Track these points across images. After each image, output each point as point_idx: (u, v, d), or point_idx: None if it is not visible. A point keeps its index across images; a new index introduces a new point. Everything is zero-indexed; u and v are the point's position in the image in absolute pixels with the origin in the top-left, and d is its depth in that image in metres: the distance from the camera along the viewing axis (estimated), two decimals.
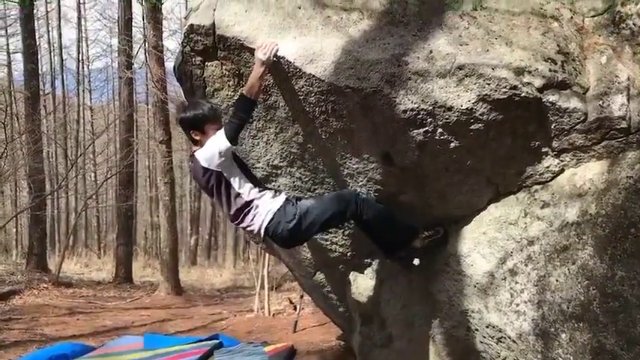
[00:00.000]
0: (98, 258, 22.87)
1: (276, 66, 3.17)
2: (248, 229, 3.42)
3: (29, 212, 15.79)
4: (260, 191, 3.37)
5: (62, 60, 27.90)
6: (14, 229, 21.98)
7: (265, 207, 3.33)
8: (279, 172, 3.82)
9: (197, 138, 3.36)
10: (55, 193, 20.49)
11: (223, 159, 3.23)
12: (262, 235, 3.39)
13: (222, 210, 3.54)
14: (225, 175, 3.29)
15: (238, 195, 3.32)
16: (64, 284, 13.67)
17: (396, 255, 3.64)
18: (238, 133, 3.25)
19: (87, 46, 29.42)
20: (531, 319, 3.03)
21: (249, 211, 3.34)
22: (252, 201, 3.32)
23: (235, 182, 3.31)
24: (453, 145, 3.12)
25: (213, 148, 3.22)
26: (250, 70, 3.32)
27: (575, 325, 2.82)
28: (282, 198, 3.39)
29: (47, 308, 10.75)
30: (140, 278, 17.47)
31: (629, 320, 2.62)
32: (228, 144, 3.18)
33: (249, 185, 3.34)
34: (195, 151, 3.36)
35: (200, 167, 3.30)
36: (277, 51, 3.10)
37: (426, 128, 3.08)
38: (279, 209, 3.32)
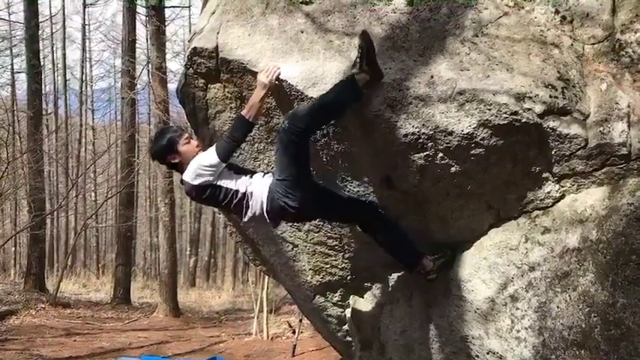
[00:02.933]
0: (97, 278, 22.75)
1: (278, 89, 3.19)
2: (256, 216, 3.34)
3: (28, 231, 15.75)
4: (250, 177, 3.33)
5: (65, 80, 28.08)
6: (13, 248, 21.91)
7: (258, 189, 3.27)
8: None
9: (176, 161, 3.35)
10: (55, 212, 20.49)
11: (210, 172, 3.21)
12: (267, 217, 3.31)
13: (231, 215, 3.54)
14: (216, 183, 3.26)
15: (236, 192, 3.28)
16: (61, 304, 13.59)
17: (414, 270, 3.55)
18: (231, 153, 3.24)
19: (90, 66, 29.67)
20: (532, 346, 3.01)
21: (247, 201, 3.30)
22: (245, 191, 3.29)
23: (228, 183, 3.28)
24: (453, 169, 3.12)
25: (201, 162, 3.21)
26: (252, 93, 3.34)
27: (577, 353, 2.80)
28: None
29: (44, 329, 10.68)
30: (138, 299, 17.39)
31: (631, 348, 2.60)
32: (217, 159, 3.17)
33: (241, 178, 3.31)
34: (182, 175, 3.35)
35: (192, 187, 3.29)
36: (280, 74, 3.12)
37: (427, 152, 3.09)
38: (270, 185, 3.25)
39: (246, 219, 3.39)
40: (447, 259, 3.44)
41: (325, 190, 3.47)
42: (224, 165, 3.23)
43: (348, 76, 3.04)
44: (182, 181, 3.39)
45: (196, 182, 3.25)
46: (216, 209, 4.06)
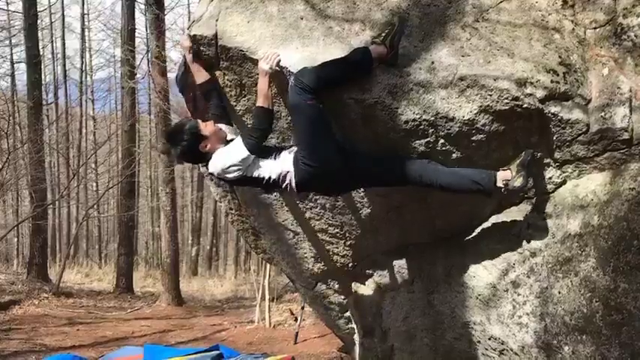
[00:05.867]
0: (99, 268, 22.80)
1: (279, 76, 3.18)
2: (289, 190, 3.29)
3: (30, 222, 15.76)
4: (276, 158, 3.24)
5: (65, 70, 27.97)
6: (15, 239, 21.93)
7: (286, 165, 3.19)
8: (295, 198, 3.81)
9: (208, 147, 3.27)
10: (57, 202, 20.50)
11: (240, 165, 3.18)
12: (296, 189, 3.24)
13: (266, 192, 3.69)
14: (247, 174, 3.23)
15: (268, 179, 3.23)
16: (64, 294, 13.63)
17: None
18: (260, 144, 3.18)
19: (90, 56, 29.46)
20: (534, 332, 3.02)
21: (280, 181, 3.23)
22: (279, 173, 3.21)
23: (259, 172, 3.22)
24: (454, 155, 3.11)
25: (230, 157, 3.18)
26: (252, 81, 3.33)
27: (578, 338, 2.80)
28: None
29: (47, 318, 10.71)
30: (141, 288, 17.43)
31: (633, 333, 2.60)
32: (246, 153, 3.14)
33: (269, 161, 3.23)
34: (209, 166, 3.30)
35: (222, 179, 3.33)
36: (280, 61, 3.10)
37: (428, 139, 3.08)
38: (294, 155, 3.19)
39: (285, 195, 3.42)
40: (527, 157, 2.99)
41: (354, 151, 3.23)
42: (253, 157, 3.19)
43: (364, 45, 3.05)
44: (207, 171, 3.37)
45: (228, 176, 3.25)
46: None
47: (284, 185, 3.22)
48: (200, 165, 3.55)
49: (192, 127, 3.26)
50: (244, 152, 3.14)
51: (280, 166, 3.19)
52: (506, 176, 2.98)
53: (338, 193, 3.57)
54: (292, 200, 3.92)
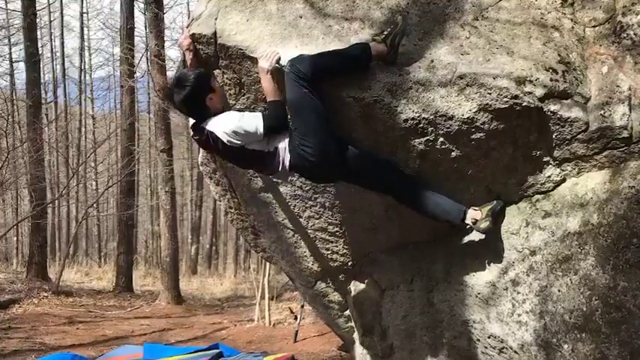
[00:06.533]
0: (99, 267, 22.79)
1: (278, 74, 3.17)
2: (280, 171, 3.27)
3: (30, 221, 15.76)
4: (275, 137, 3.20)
5: (64, 69, 27.99)
6: (15, 238, 21.93)
7: (282, 144, 3.17)
8: (279, 180, 3.82)
9: (212, 101, 3.22)
10: (56, 201, 20.50)
11: (245, 137, 3.13)
12: (288, 170, 3.23)
13: (254, 170, 3.60)
14: (247, 146, 3.18)
15: (263, 152, 3.20)
16: (64, 293, 13.63)
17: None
18: (275, 132, 3.14)
19: (89, 55, 29.48)
20: (533, 330, 3.02)
21: (275, 158, 3.20)
22: (275, 148, 3.18)
23: (258, 146, 3.19)
24: (454, 154, 3.12)
25: (243, 124, 3.11)
26: (252, 79, 3.33)
27: (578, 336, 2.80)
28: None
29: (47, 317, 10.71)
30: (140, 287, 17.43)
31: (632, 331, 2.60)
32: (261, 131, 3.09)
33: (268, 138, 3.20)
34: (207, 124, 3.21)
35: (215, 140, 3.18)
36: (279, 59, 3.10)
37: (427, 137, 3.08)
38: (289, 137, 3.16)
39: (277, 174, 3.33)
40: (497, 207, 3.15)
41: (349, 147, 3.20)
42: (261, 135, 3.13)
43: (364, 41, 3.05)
44: (195, 128, 3.28)
45: (227, 139, 3.15)
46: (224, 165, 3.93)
47: (276, 162, 3.19)
48: (192, 133, 3.41)
49: (203, 75, 3.23)
50: (260, 128, 3.09)
51: (276, 143, 3.17)
52: (476, 216, 3.15)
53: (321, 181, 3.57)
54: (292, 199, 3.92)
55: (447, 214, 3.19)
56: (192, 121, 3.40)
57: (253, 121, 3.13)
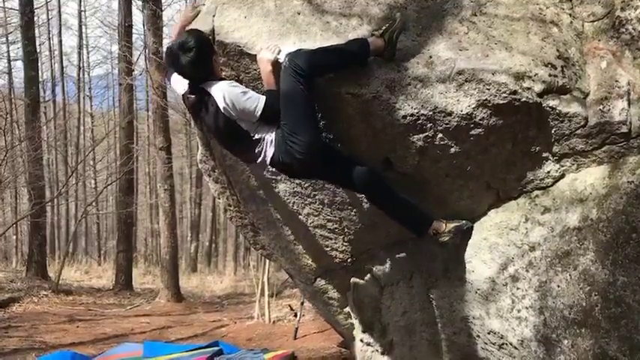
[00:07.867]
0: (98, 265, 22.79)
1: (276, 69, 3.17)
2: (262, 162, 3.24)
3: (29, 219, 15.75)
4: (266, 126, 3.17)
5: (62, 67, 27.98)
6: (14, 237, 21.91)
7: (270, 135, 3.14)
8: (278, 177, 3.81)
9: (216, 60, 3.21)
10: (55, 200, 20.50)
11: (239, 113, 3.08)
12: (268, 162, 3.21)
13: (233, 154, 3.56)
14: (237, 122, 3.14)
15: (247, 135, 3.16)
16: (63, 291, 13.63)
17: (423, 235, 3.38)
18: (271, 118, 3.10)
19: (87, 53, 29.49)
20: (533, 326, 3.02)
21: (261, 146, 3.18)
22: (262, 136, 3.16)
23: (247, 126, 3.15)
24: (453, 150, 3.11)
25: (242, 100, 3.06)
26: (250, 76, 3.32)
27: (577, 332, 2.81)
28: None
29: (47, 316, 10.71)
30: (140, 285, 17.43)
31: (632, 326, 2.61)
32: (259, 113, 3.06)
33: (259, 127, 3.17)
34: (210, 87, 3.14)
35: (210, 105, 3.13)
36: (280, 52, 3.09)
37: (426, 134, 3.08)
38: (277, 130, 3.13)
39: (253, 164, 3.30)
40: (465, 226, 3.30)
41: (331, 145, 3.27)
42: (257, 117, 3.09)
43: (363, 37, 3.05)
44: (192, 88, 3.22)
45: (222, 106, 3.08)
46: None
47: (257, 151, 3.17)
48: (186, 92, 3.30)
49: (205, 35, 3.20)
50: (259, 110, 3.06)
51: (264, 132, 3.14)
52: (439, 229, 3.25)
53: (299, 177, 3.60)
54: (291, 197, 3.92)
55: (414, 223, 3.35)
56: (180, 85, 3.32)
57: (255, 101, 3.08)
